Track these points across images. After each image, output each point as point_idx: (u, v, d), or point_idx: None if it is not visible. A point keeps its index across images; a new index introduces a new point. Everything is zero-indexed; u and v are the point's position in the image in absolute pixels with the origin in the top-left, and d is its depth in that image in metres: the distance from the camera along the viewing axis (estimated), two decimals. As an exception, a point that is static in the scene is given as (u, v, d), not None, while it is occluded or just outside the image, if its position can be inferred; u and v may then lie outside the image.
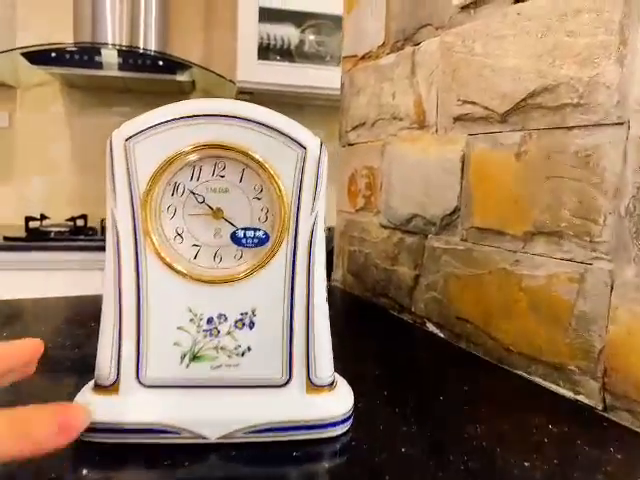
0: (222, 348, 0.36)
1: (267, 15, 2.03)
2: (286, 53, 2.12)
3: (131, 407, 0.35)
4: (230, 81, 2.01)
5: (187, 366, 0.36)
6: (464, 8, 0.60)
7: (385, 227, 0.76)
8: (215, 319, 0.36)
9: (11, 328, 0.60)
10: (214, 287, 0.36)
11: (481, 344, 0.58)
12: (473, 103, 0.58)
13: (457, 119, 0.61)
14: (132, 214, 0.36)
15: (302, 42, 2.15)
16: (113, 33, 1.96)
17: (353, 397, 0.39)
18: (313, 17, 2.11)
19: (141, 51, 1.99)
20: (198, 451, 0.34)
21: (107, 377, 0.35)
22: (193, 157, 0.38)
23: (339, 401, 0.38)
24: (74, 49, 1.88)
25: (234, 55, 2.01)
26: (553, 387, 0.49)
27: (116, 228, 0.36)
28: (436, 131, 0.65)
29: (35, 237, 1.79)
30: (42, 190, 2.13)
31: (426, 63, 0.67)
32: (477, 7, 0.58)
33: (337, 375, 0.41)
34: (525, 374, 0.52)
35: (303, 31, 2.13)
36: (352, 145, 0.85)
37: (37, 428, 0.23)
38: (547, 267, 0.50)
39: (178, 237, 0.37)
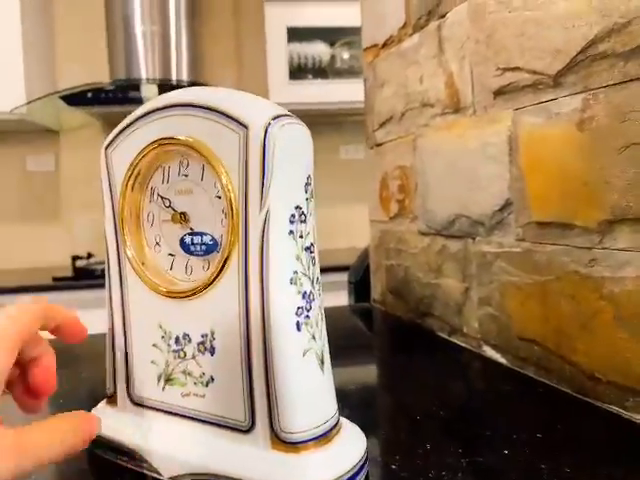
0: (189, 374, 0.32)
1: (296, 35, 1.99)
2: (318, 71, 2.07)
3: (115, 422, 0.34)
4: (263, 104, 1.97)
5: (163, 388, 0.33)
6: (495, -41, 0.49)
7: (424, 234, 0.64)
8: (181, 339, 0.32)
9: (66, 369, 0.54)
10: (180, 303, 0.31)
11: (555, 370, 0.45)
12: (516, 69, 0.47)
13: (498, 93, 0.50)
14: (114, 227, 0.34)
15: (334, 58, 2.09)
16: (146, 68, 1.98)
17: (361, 457, 0.29)
18: (343, 32, 2.05)
19: (175, 83, 1.99)
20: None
21: (108, 388, 0.35)
22: (158, 158, 0.33)
23: (326, 465, 0.28)
24: (110, 88, 1.90)
25: (266, 78, 1.97)
26: (663, 428, 0.36)
27: (107, 245, 0.35)
28: (474, 112, 0.54)
29: (82, 276, 1.79)
30: (88, 229, 2.15)
31: (455, 35, 0.56)
32: (511, -47, 0.47)
33: (346, 423, 0.31)
34: (621, 410, 0.39)
35: (334, 47, 2.08)
36: (380, 145, 0.75)
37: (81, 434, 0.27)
38: (636, 265, 0.37)
39: (157, 246, 0.34)
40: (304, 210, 0.30)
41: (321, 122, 2.24)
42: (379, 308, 0.78)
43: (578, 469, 0.31)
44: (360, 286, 0.85)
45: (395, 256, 0.72)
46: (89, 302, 1.71)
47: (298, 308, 0.29)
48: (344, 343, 0.60)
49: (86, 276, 1.79)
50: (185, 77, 2.04)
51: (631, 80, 0.37)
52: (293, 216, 0.29)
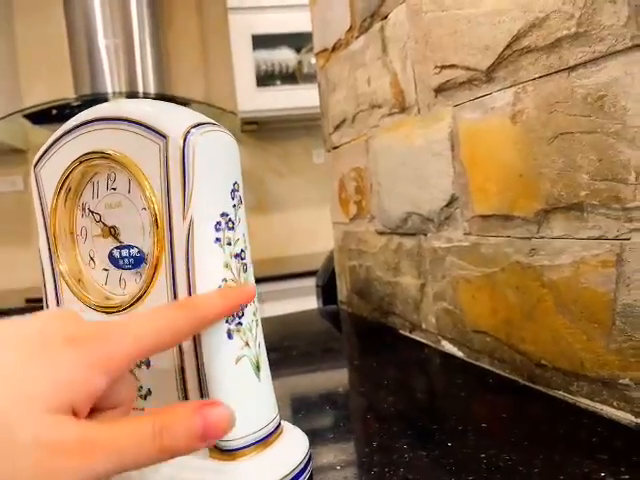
0: None
1: (262, 42, 1.99)
2: (286, 77, 2.07)
3: None
4: (231, 112, 1.97)
5: None
6: (427, -41, 0.50)
7: (381, 233, 0.65)
8: None
9: None
10: (114, 317, 0.31)
11: (507, 361, 0.46)
12: (452, 66, 0.48)
13: (438, 90, 0.51)
14: (48, 245, 0.34)
15: (301, 64, 2.10)
16: (112, 82, 1.96)
17: (302, 460, 0.29)
18: (309, 37, 2.05)
19: (142, 95, 1.98)
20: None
21: None
22: (86, 173, 0.33)
23: (264, 470, 0.28)
24: (76, 103, 1.88)
25: (233, 86, 1.97)
26: (605, 409, 0.36)
27: (42, 263, 0.35)
28: (418, 111, 0.55)
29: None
30: (62, 248, 2.12)
31: (396, 36, 0.57)
32: (440, -46, 0.48)
33: (288, 427, 0.31)
34: (567, 395, 0.40)
35: (301, 53, 2.08)
36: (336, 148, 0.75)
37: (175, 433, 0.21)
38: (571, 252, 0.38)
39: (91, 261, 0.34)
40: (231, 217, 0.30)
41: (292, 127, 2.25)
42: (345, 309, 0.78)
43: (517, 454, 0.31)
44: (328, 289, 0.86)
45: (357, 257, 0.72)
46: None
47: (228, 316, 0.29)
48: (311, 346, 0.61)
49: (61, 295, 1.77)
50: (152, 89, 2.02)
51: (555, 72, 0.38)
52: (219, 223, 0.29)
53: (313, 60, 2.10)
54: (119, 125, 0.30)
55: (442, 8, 0.48)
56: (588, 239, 0.36)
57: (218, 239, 0.29)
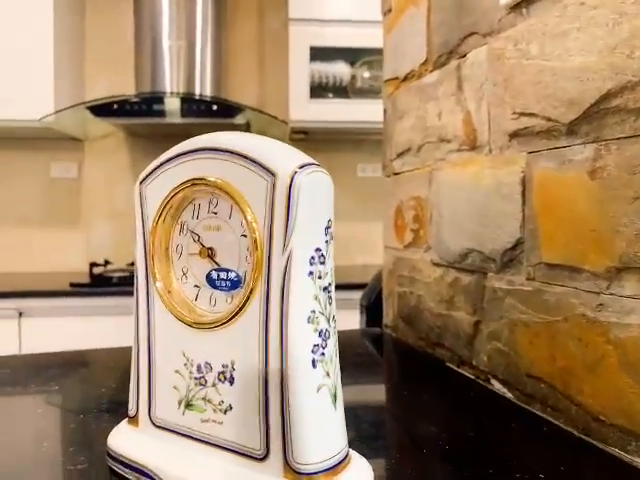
0: (209, 400, 0.33)
1: (319, 54, 2.03)
2: (339, 90, 2.10)
3: (136, 442, 0.36)
4: (282, 121, 2.01)
5: (183, 413, 0.34)
6: (514, 7, 0.51)
7: (437, 265, 0.66)
8: (203, 367, 0.34)
9: (87, 383, 0.58)
10: (204, 333, 0.34)
11: (561, 410, 0.46)
12: (532, 115, 0.49)
13: (514, 135, 0.52)
14: (145, 257, 0.37)
15: (354, 78, 2.13)
16: (171, 82, 2.03)
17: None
18: (363, 52, 2.08)
19: (198, 97, 2.04)
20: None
21: (131, 408, 0.37)
22: (189, 195, 0.35)
23: None
24: (135, 100, 1.95)
25: (287, 95, 2.01)
26: (664, 474, 0.36)
27: (136, 272, 0.37)
28: (490, 151, 0.55)
29: (99, 282, 1.83)
30: (106, 237, 2.20)
31: (474, 76, 0.58)
32: (529, 4, 0.49)
33: (355, 456, 0.33)
34: (623, 453, 0.40)
35: (354, 67, 2.11)
36: (397, 174, 0.77)
37: None
38: (643, 313, 0.38)
39: (184, 277, 0.36)
40: (324, 252, 0.32)
41: (339, 140, 2.28)
42: (390, 334, 0.79)
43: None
44: (372, 308, 0.87)
45: (408, 284, 0.73)
46: (105, 309, 1.75)
47: (314, 345, 0.31)
48: (356, 369, 0.62)
49: (103, 283, 1.83)
50: (208, 92, 2.08)
51: (642, 135, 0.38)
52: (313, 258, 0.31)
53: (366, 75, 2.14)
54: (228, 157, 0.32)
55: (527, 57, 0.49)
56: (662, 303, 0.37)
57: (311, 272, 0.31)
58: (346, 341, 0.76)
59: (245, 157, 0.32)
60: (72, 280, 1.80)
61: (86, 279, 1.84)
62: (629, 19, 0.39)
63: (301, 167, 0.31)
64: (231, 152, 0.32)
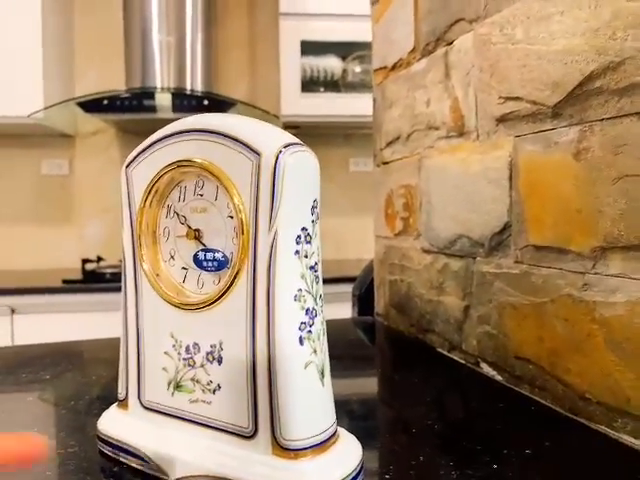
0: (197, 381, 0.34)
1: (310, 48, 2.02)
2: (331, 84, 2.10)
3: (125, 424, 0.36)
4: (274, 116, 2.01)
5: (172, 394, 0.35)
6: (500, -7, 0.52)
7: (427, 252, 0.66)
8: (191, 348, 0.34)
9: (77, 371, 0.58)
10: (192, 314, 0.34)
11: (548, 390, 0.47)
12: (517, 99, 0.49)
13: (500, 120, 0.52)
14: (132, 240, 0.37)
15: (346, 72, 2.12)
16: (162, 77, 2.02)
17: (356, 466, 0.31)
18: (355, 47, 2.08)
19: (189, 92, 2.03)
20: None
21: (120, 392, 0.38)
22: (175, 177, 0.35)
23: (322, 472, 0.30)
24: (126, 95, 1.94)
25: (278, 90, 2.01)
26: (648, 449, 0.37)
27: (124, 256, 0.37)
28: (477, 137, 0.56)
29: (91, 279, 1.82)
30: (98, 233, 2.19)
31: (461, 63, 0.58)
32: (515, -12, 0.49)
33: (343, 433, 0.33)
34: (609, 430, 0.40)
35: (346, 61, 2.11)
36: (387, 163, 0.77)
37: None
38: (626, 291, 0.39)
39: (171, 259, 0.36)
40: (310, 232, 0.32)
41: (331, 134, 2.28)
42: (381, 322, 0.79)
43: (563, 485, 0.32)
44: (364, 299, 0.87)
45: (399, 272, 0.74)
46: (98, 305, 1.75)
47: (301, 323, 0.31)
48: (347, 355, 0.62)
49: (95, 279, 1.82)
50: (199, 87, 2.07)
51: (624, 115, 0.39)
52: (299, 237, 0.31)
53: (358, 69, 2.14)
54: (213, 138, 0.32)
55: (512, 41, 0.49)
56: (646, 281, 0.37)
57: (297, 251, 0.31)
58: (338, 329, 0.76)
59: (230, 137, 0.32)
60: (64, 277, 1.79)
61: (78, 275, 1.84)
62: (610, 1, 0.39)
63: (286, 146, 0.31)
64: (216, 133, 0.32)
